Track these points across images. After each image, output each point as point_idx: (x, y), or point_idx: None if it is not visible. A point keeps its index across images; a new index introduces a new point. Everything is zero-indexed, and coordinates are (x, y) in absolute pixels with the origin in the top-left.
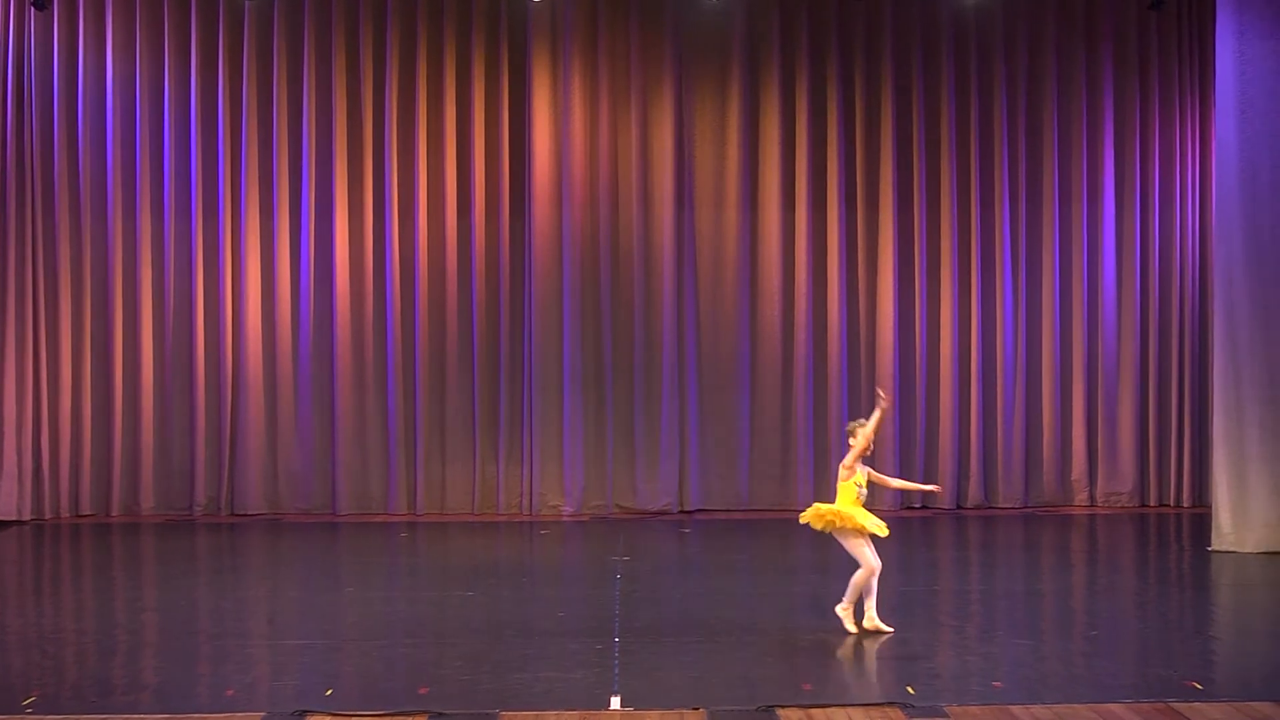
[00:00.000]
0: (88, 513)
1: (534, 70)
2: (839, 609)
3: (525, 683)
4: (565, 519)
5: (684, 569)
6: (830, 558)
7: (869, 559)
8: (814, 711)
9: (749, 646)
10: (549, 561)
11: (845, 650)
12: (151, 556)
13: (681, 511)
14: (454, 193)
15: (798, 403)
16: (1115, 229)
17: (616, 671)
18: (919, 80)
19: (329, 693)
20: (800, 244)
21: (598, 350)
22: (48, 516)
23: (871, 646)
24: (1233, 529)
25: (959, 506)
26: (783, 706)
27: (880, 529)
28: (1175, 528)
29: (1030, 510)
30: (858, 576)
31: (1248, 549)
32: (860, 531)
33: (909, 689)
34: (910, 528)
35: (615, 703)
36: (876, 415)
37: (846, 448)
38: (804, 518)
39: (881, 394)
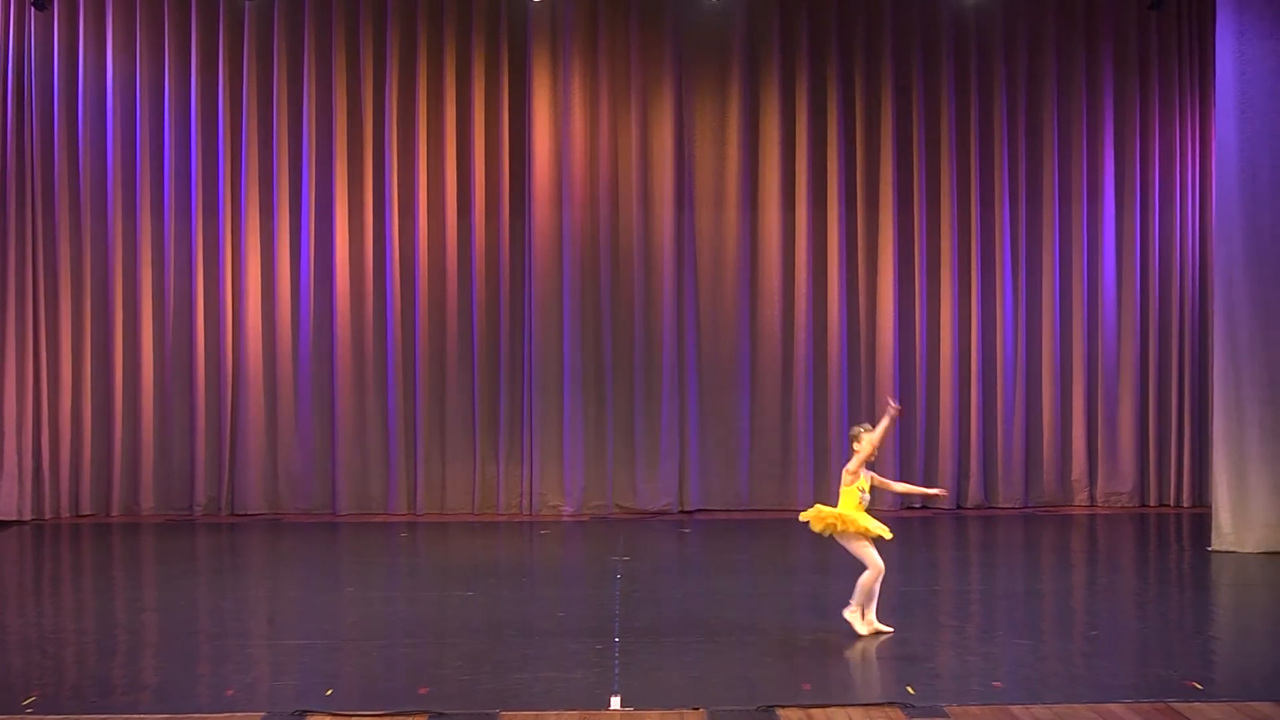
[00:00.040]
0: (88, 513)
1: (534, 70)
2: (846, 613)
3: (525, 683)
4: (565, 519)
5: (684, 569)
6: (830, 558)
7: (875, 560)
8: (814, 711)
9: (749, 646)
10: (549, 561)
11: (845, 650)
12: (151, 556)
13: (681, 511)
14: (454, 192)
15: (798, 403)
16: (1115, 229)
17: (616, 671)
18: (919, 80)
19: (329, 693)
20: (800, 244)
21: (598, 350)
22: (48, 516)
23: (871, 646)
24: (1233, 529)
25: (959, 507)
26: (783, 706)
27: (884, 532)
28: (1175, 528)
29: (1030, 510)
30: (865, 578)
31: (1248, 549)
32: (863, 534)
33: (909, 689)
34: (910, 528)
35: (615, 703)
36: (885, 423)
37: (850, 451)
38: (805, 516)
39: (891, 402)
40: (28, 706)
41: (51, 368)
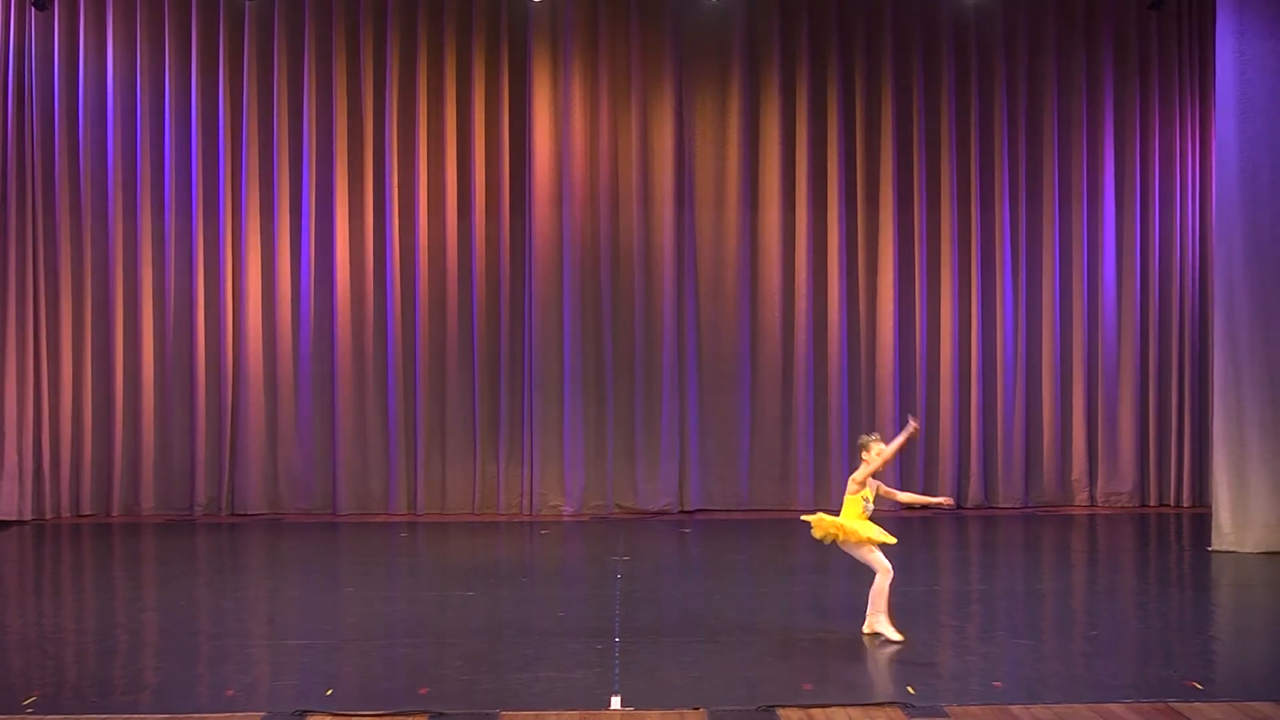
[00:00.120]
0: (88, 513)
1: (534, 70)
2: (877, 625)
3: (525, 683)
4: (565, 519)
5: (684, 569)
6: (830, 558)
7: (881, 563)
8: (814, 711)
9: (749, 646)
10: (549, 561)
11: (845, 650)
12: (152, 556)
13: (682, 511)
14: (454, 192)
15: (798, 402)
16: (1115, 229)
17: (617, 671)
18: (919, 80)
19: (329, 693)
20: (800, 244)
21: (598, 350)
22: (48, 516)
23: (872, 647)
24: (1233, 529)
25: (959, 506)
26: (783, 706)
27: (886, 539)
28: (1175, 528)
29: (1030, 510)
30: (877, 585)
31: (1248, 549)
32: (866, 541)
33: (909, 689)
34: (910, 528)
35: (615, 703)
36: (900, 440)
37: (858, 460)
38: (808, 518)
39: (912, 420)
40: (28, 706)
41: (52, 367)
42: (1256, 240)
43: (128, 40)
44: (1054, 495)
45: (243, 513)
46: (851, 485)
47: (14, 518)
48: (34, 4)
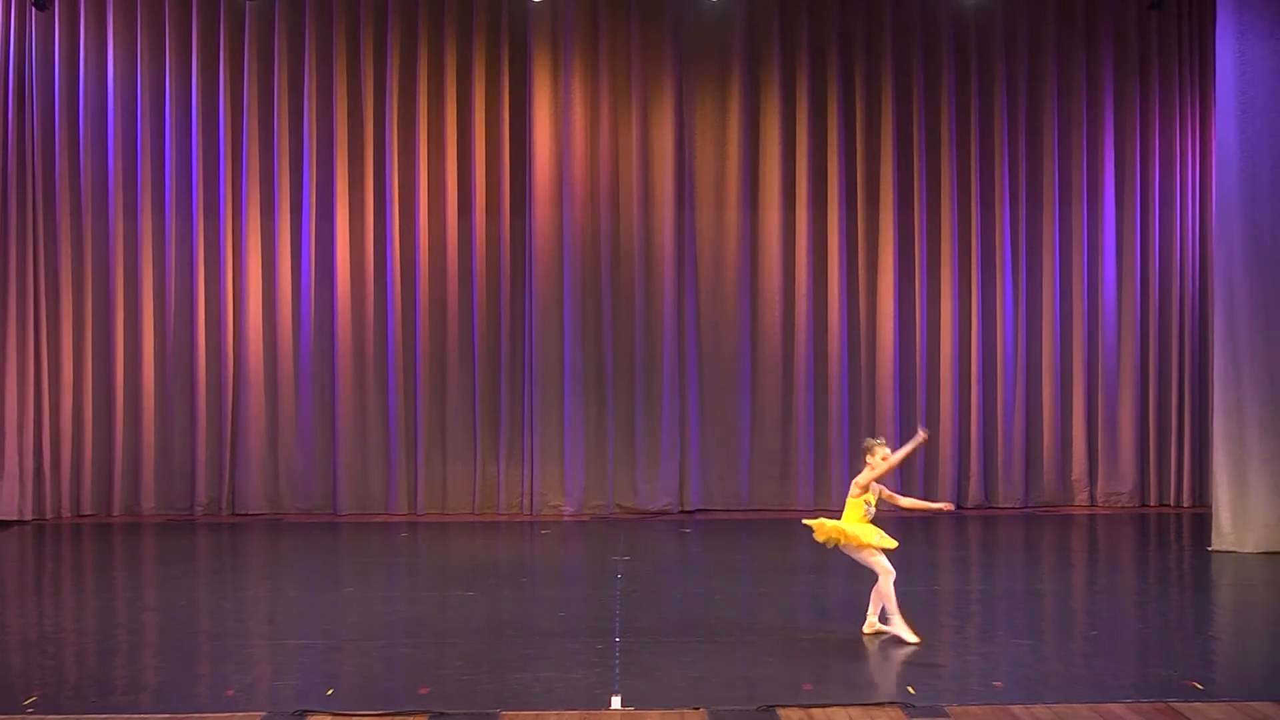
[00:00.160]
0: (89, 513)
1: (534, 70)
2: (892, 628)
3: (526, 683)
4: (566, 519)
5: (684, 569)
6: (830, 559)
7: (883, 565)
8: (814, 711)
9: (749, 646)
10: (549, 561)
11: (846, 650)
12: (152, 556)
13: (682, 511)
14: (455, 192)
15: (798, 402)
16: (1115, 229)
17: (617, 671)
18: (919, 80)
19: (330, 692)
20: (800, 244)
21: (598, 350)
22: (49, 516)
23: (872, 646)
24: (1233, 529)
25: (959, 506)
26: (783, 706)
27: (887, 543)
28: (1175, 528)
29: (1030, 510)
30: (881, 585)
31: (1248, 549)
32: (869, 546)
33: (909, 689)
34: (911, 528)
35: (616, 702)
36: (908, 449)
37: (861, 462)
38: (809, 523)
39: (921, 430)
40: (28, 706)
41: (52, 367)
42: (1256, 240)
43: (128, 40)
44: (1054, 495)
45: (243, 513)
46: (854, 489)
47: (14, 518)
48: (34, 4)
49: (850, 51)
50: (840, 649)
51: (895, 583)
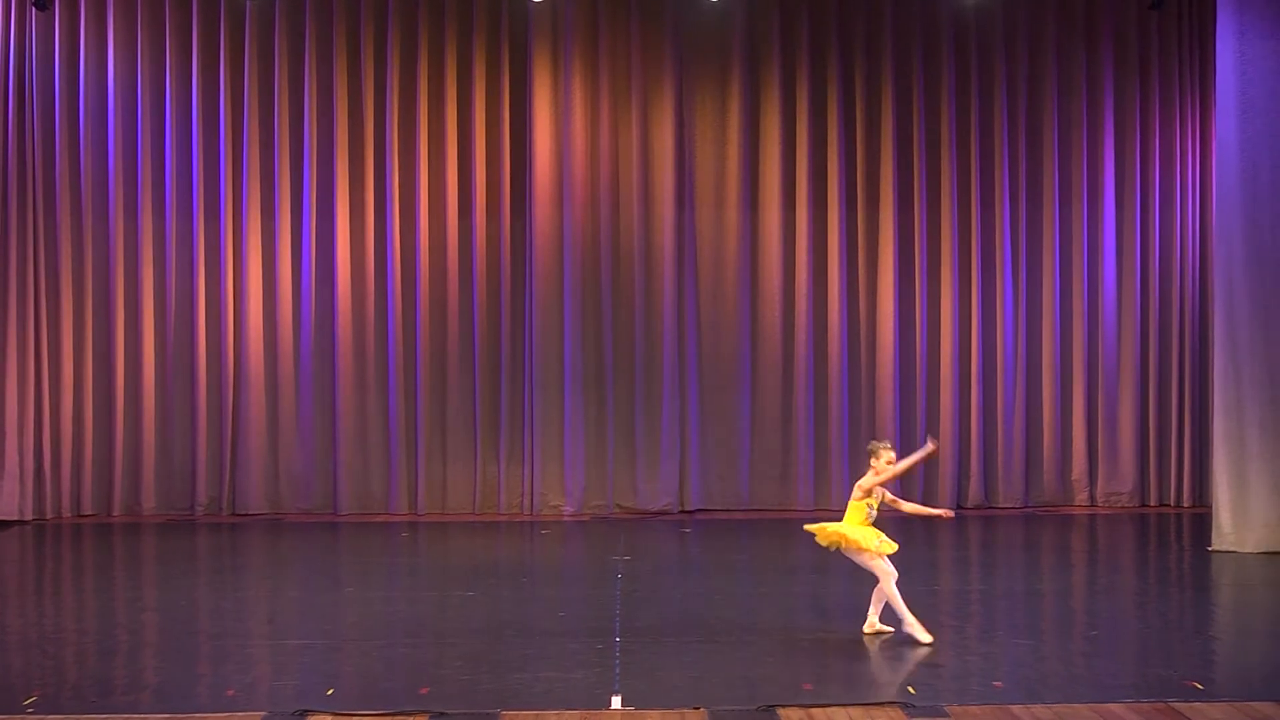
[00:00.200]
0: (89, 513)
1: (535, 70)
2: (906, 629)
3: (526, 683)
4: (566, 519)
5: (684, 569)
6: (831, 559)
7: (884, 568)
8: (814, 711)
9: (749, 646)
10: (550, 561)
11: (846, 650)
12: (152, 556)
13: (682, 511)
14: (455, 193)
15: (798, 402)
16: (1115, 229)
17: (617, 671)
18: (919, 80)
19: (330, 692)
20: (800, 244)
21: (598, 350)
22: (49, 516)
23: (872, 646)
24: (1233, 529)
25: (959, 506)
26: (783, 706)
27: (888, 547)
28: (1175, 528)
29: (1030, 510)
30: (885, 590)
31: (1248, 549)
32: (870, 551)
33: (910, 689)
34: (911, 528)
35: (616, 702)
36: (915, 458)
37: (864, 465)
38: (811, 529)
39: (931, 441)
40: (28, 706)
41: (53, 367)
42: (1257, 240)
43: (128, 40)
44: (1054, 495)
45: (243, 513)
46: (857, 492)
47: (15, 518)
48: (35, 4)
49: (850, 51)
50: (840, 649)
51: (897, 583)
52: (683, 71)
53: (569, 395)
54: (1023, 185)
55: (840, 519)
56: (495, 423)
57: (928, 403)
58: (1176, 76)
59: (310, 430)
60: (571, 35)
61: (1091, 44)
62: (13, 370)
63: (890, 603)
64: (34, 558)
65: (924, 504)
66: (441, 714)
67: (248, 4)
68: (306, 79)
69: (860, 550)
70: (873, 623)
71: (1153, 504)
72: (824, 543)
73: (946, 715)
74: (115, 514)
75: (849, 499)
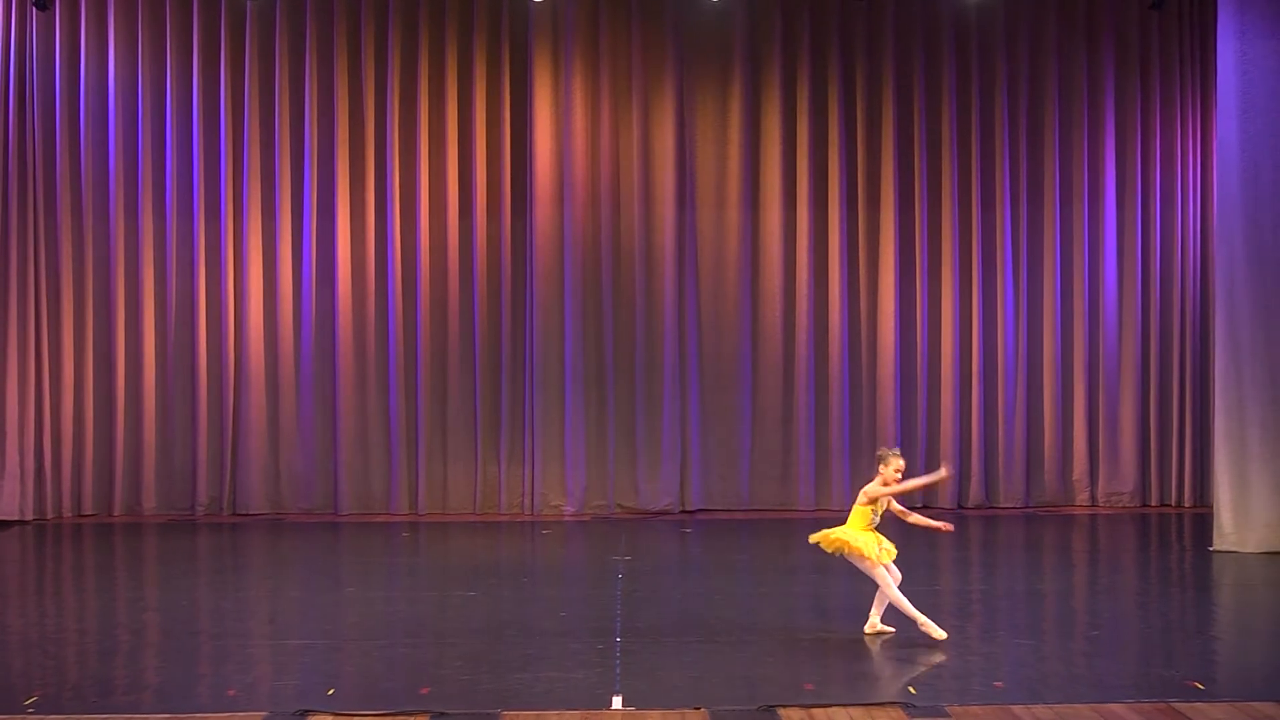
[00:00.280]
0: (90, 513)
1: (535, 70)
2: (922, 627)
3: (526, 683)
4: (567, 519)
5: (685, 569)
6: (831, 559)
7: (885, 577)
8: (815, 711)
9: (750, 646)
10: (550, 561)
11: (846, 650)
12: (153, 556)
13: (683, 511)
14: (455, 192)
15: (799, 402)
16: (1116, 229)
17: (618, 671)
18: (920, 80)
19: (330, 692)
20: (801, 243)
21: (599, 350)
22: (50, 516)
23: (873, 646)
24: (1234, 529)
25: (960, 506)
26: (784, 706)
27: (889, 554)
28: (1177, 528)
29: (1031, 510)
30: (889, 596)
31: (1249, 549)
32: (871, 558)
33: (910, 689)
34: (911, 528)
35: (617, 702)
36: (926, 480)
37: (870, 468)
38: (814, 539)
39: (945, 466)
40: (29, 706)
41: (53, 367)
42: (1258, 240)
43: (129, 40)
44: (1055, 495)
45: (244, 512)
46: (862, 498)
47: (15, 518)
48: (35, 4)
49: (851, 51)
50: (841, 649)
51: (901, 585)
52: (683, 71)
53: (570, 395)
54: (1023, 185)
55: (841, 520)
56: (496, 423)
57: (929, 402)
58: (1177, 76)
59: (311, 430)
60: (572, 35)
61: (1092, 44)
62: (13, 370)
63: (897, 607)
64: (34, 558)
65: (925, 503)
66: (442, 714)
67: (248, 4)
68: (307, 79)
69: (863, 558)
70: (874, 623)
71: (1154, 504)
72: (829, 549)
73: (947, 715)
74: (116, 514)
75: (853, 502)
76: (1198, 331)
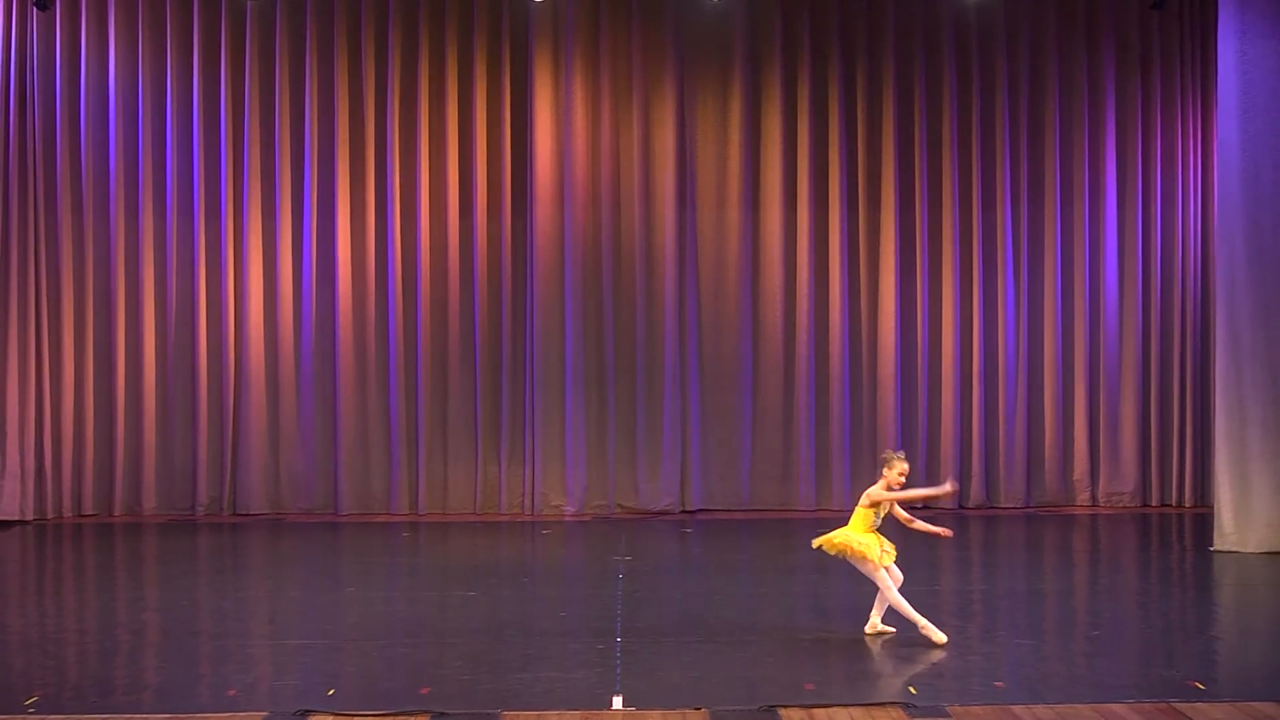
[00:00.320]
0: (90, 513)
1: (536, 70)
2: (923, 631)
3: (527, 683)
4: (567, 519)
5: (685, 569)
6: (832, 560)
7: (886, 581)
8: (815, 711)
9: (750, 646)
10: (551, 561)
11: (847, 650)
12: (153, 556)
13: (683, 511)
14: (456, 192)
15: (799, 402)
16: (1117, 229)
17: (618, 671)
18: (921, 80)
19: (331, 692)
20: (802, 243)
21: (600, 350)
22: (50, 516)
23: (873, 646)
24: (1235, 529)
25: (961, 506)
26: (784, 706)
27: (888, 558)
28: (1177, 528)
29: (1032, 510)
30: (890, 599)
31: (1250, 549)
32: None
33: (911, 689)
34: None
35: (617, 703)
36: (930, 491)
37: (874, 470)
38: (817, 543)
39: (951, 482)
40: (29, 706)
41: (54, 367)
42: (1258, 240)
43: (129, 40)
44: (1056, 495)
45: (244, 513)
46: (864, 500)
47: (15, 518)
48: (35, 4)
49: (851, 51)
50: (842, 649)
51: (902, 587)
52: (684, 71)
53: (570, 395)
54: (1024, 185)
55: (842, 520)
56: (496, 423)
57: (929, 402)
58: (1178, 76)
59: (311, 430)
60: (572, 35)
61: (1093, 44)
62: (13, 370)
63: (898, 611)
64: (35, 558)
65: (925, 504)
66: (442, 714)
67: (248, 4)
68: (307, 79)
69: (864, 561)
70: (874, 623)
71: (1154, 504)
72: (831, 552)
73: (948, 715)
74: (116, 514)
75: (854, 504)
76: (1198, 331)
